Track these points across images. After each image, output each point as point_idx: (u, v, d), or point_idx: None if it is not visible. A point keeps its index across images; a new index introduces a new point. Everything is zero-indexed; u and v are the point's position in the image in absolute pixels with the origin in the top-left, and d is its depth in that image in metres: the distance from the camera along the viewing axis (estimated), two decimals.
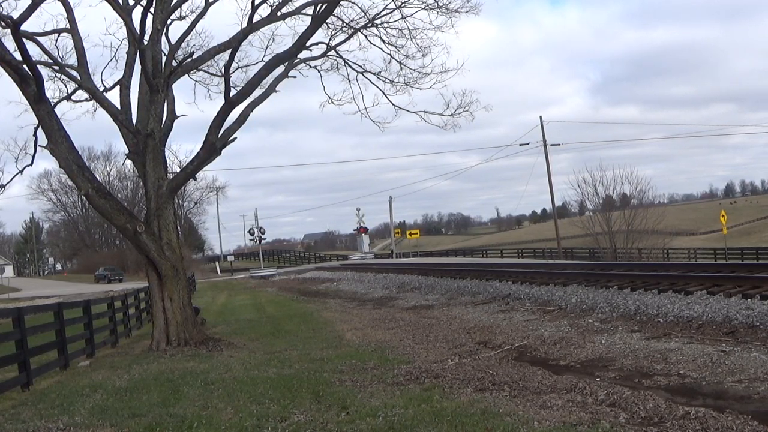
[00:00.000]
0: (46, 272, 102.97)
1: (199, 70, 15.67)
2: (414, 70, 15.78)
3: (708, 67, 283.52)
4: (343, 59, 15.87)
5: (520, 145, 51.78)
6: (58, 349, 11.20)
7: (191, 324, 13.14)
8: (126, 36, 14.14)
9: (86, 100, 15.38)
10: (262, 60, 14.98)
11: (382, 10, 14.99)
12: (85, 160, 13.92)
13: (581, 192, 49.07)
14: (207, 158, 13.60)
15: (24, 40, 11.71)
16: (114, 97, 14.30)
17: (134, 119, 13.84)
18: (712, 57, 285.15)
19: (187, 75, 15.26)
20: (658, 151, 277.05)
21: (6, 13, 12.27)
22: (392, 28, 15.34)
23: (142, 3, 12.93)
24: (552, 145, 48.85)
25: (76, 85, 14.43)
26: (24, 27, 11.79)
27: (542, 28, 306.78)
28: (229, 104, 13.33)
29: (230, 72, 13.39)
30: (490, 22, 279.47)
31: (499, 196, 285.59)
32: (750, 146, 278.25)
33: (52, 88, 15.37)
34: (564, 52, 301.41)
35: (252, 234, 65.43)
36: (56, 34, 14.83)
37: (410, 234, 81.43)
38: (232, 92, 13.42)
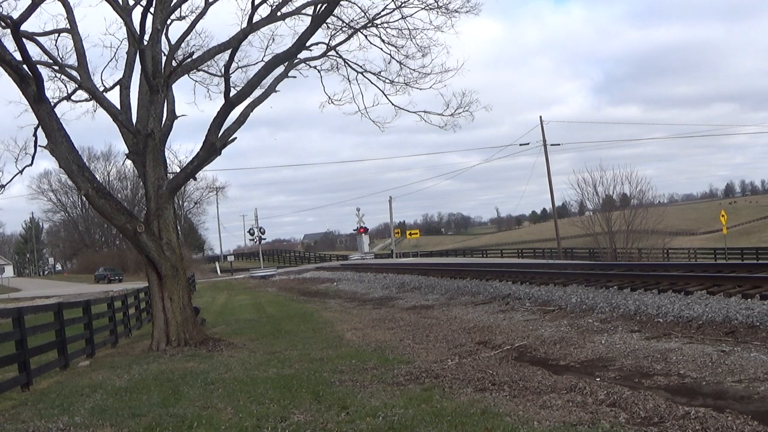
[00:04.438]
0: (46, 272, 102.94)
1: (199, 70, 15.68)
2: (414, 70, 15.81)
3: (710, 67, 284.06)
4: (343, 59, 15.90)
5: (520, 145, 51.93)
6: (58, 349, 11.20)
7: (191, 324, 13.15)
8: (126, 36, 14.15)
9: (86, 100, 15.40)
10: (262, 60, 15.01)
11: (382, 10, 15.01)
12: (85, 160, 13.92)
13: (581, 192, 49.18)
14: (207, 158, 13.60)
15: (24, 40, 11.71)
16: (114, 97, 14.33)
17: (134, 119, 13.85)
18: (714, 56, 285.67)
19: (187, 75, 15.26)
20: (659, 151, 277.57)
21: (6, 13, 12.28)
22: (392, 28, 15.37)
23: (142, 3, 12.94)
24: (552, 145, 48.91)
25: (76, 85, 14.43)
26: (24, 27, 11.79)
27: (546, 27, 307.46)
28: (229, 104, 13.33)
29: (230, 72, 13.38)
30: (494, 20, 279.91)
31: (499, 196, 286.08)
32: (751, 146, 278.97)
33: (52, 88, 15.41)
34: (567, 52, 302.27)
35: (252, 234, 65.43)
36: (56, 34, 14.84)
37: (410, 234, 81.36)
38: (232, 92, 13.42)
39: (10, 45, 11.69)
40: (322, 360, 10.20)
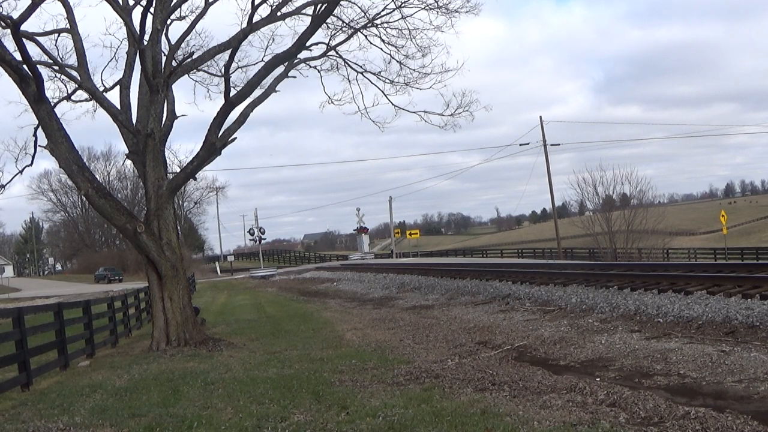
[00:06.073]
0: (46, 272, 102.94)
1: (199, 70, 15.67)
2: (414, 70, 15.80)
3: (710, 67, 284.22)
4: (343, 59, 15.89)
5: (520, 145, 51.94)
6: (58, 349, 11.20)
7: (191, 324, 13.14)
8: (126, 36, 14.15)
9: (86, 100, 15.39)
10: (262, 60, 15.01)
11: (382, 10, 15.01)
12: (85, 160, 13.92)
13: (581, 192, 49.14)
14: (207, 158, 13.60)
15: (24, 40, 11.71)
16: (114, 97, 14.33)
17: (134, 119, 13.85)
18: (715, 56, 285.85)
19: (187, 75, 15.26)
20: (660, 151, 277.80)
21: (6, 13, 12.28)
22: (392, 28, 15.37)
23: (142, 3, 12.94)
24: (552, 145, 48.94)
25: (76, 85, 14.43)
26: (24, 27, 11.79)
27: (547, 27, 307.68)
28: (229, 104, 13.33)
29: (230, 72, 13.38)
30: (495, 20, 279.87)
31: (499, 196, 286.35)
32: (751, 146, 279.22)
33: (52, 88, 15.41)
34: (568, 51, 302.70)
35: (252, 234, 65.44)
36: (56, 34, 14.83)
37: (410, 234, 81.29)
38: (232, 92, 13.41)
39: (10, 45, 11.69)
40: (322, 360, 10.20)
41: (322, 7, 13.61)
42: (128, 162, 14.44)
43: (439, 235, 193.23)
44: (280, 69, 14.63)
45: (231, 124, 13.96)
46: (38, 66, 12.46)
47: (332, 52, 15.67)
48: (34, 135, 13.89)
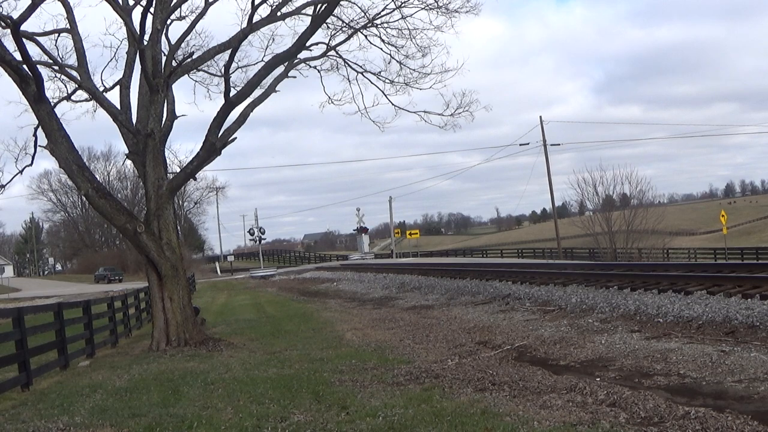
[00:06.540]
0: (46, 272, 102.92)
1: (199, 70, 15.68)
2: (414, 70, 15.82)
3: (711, 67, 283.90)
4: (343, 59, 15.91)
5: (520, 145, 51.96)
6: (58, 349, 11.20)
7: (191, 324, 13.15)
8: (126, 36, 14.15)
9: (86, 100, 15.40)
10: (262, 60, 15.02)
11: (382, 10, 15.02)
12: (85, 160, 13.92)
13: (581, 192, 49.10)
14: (207, 158, 13.61)
15: (24, 40, 11.72)
16: (114, 97, 14.33)
17: (134, 119, 13.85)
18: (715, 56, 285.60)
19: (187, 75, 15.27)
20: (660, 151, 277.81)
21: (6, 13, 12.28)
22: (392, 28, 15.39)
23: (142, 3, 12.95)
24: (552, 145, 48.95)
25: (76, 85, 14.43)
26: (24, 27, 11.79)
27: (548, 27, 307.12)
28: (229, 104, 13.34)
29: (230, 72, 13.39)
30: (496, 20, 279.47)
31: (499, 196, 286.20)
32: (751, 146, 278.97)
33: (52, 88, 15.41)
34: (568, 51, 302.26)
35: (252, 234, 65.46)
36: (56, 34, 14.84)
37: (410, 234, 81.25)
38: (232, 92, 13.42)
39: (10, 45, 11.70)
40: (322, 360, 10.20)
41: (322, 7, 13.61)
42: (128, 162, 14.46)
43: (439, 235, 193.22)
44: (280, 69, 14.64)
45: (231, 124, 13.96)
46: (38, 66, 12.46)
47: (332, 52, 15.68)
48: (34, 135, 13.90)
